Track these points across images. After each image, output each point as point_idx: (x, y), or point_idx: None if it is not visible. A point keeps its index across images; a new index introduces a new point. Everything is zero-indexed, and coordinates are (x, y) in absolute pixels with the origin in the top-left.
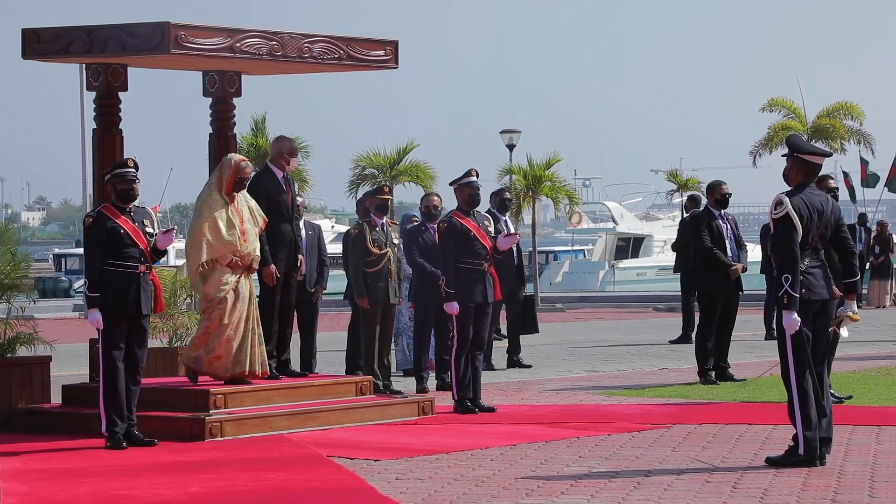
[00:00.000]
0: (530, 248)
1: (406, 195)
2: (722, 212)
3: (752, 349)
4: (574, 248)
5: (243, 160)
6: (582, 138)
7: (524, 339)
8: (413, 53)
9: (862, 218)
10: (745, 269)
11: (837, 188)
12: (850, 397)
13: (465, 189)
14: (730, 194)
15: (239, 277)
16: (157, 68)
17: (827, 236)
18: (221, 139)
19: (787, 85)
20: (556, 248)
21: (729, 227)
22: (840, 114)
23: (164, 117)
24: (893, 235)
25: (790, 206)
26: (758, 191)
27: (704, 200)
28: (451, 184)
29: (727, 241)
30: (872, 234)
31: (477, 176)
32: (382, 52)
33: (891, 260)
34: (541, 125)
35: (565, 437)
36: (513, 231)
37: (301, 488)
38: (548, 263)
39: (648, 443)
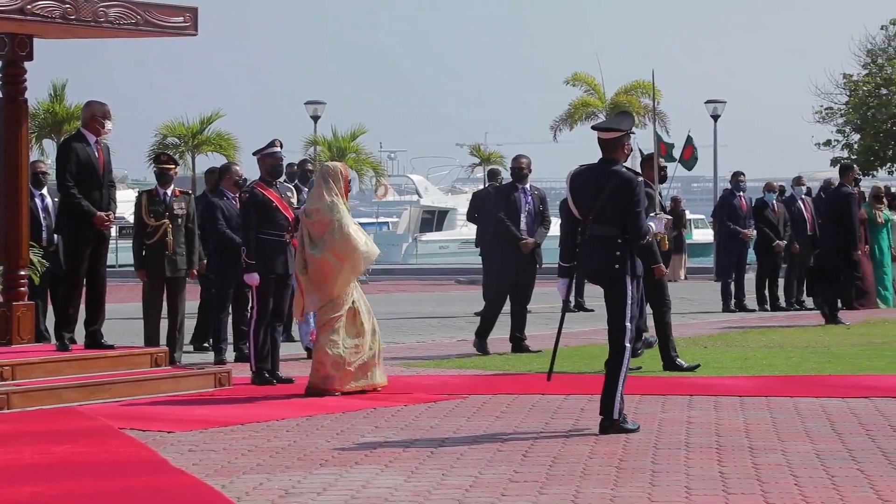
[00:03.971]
0: None
1: (209, 165)
2: (527, 186)
3: (549, 321)
4: (379, 220)
5: (345, 165)
6: (388, 111)
7: None
8: (215, 21)
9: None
10: (538, 245)
11: (860, 178)
12: (639, 368)
13: (268, 159)
14: (523, 168)
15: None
16: None
17: (608, 211)
18: (12, 103)
19: (591, 63)
20: (362, 221)
21: (529, 201)
22: (637, 92)
23: None
24: (686, 212)
25: (567, 180)
26: (560, 165)
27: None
28: (254, 153)
29: (522, 215)
30: (666, 211)
31: (281, 146)
32: (181, 19)
33: (684, 235)
34: (346, 97)
35: (362, 408)
36: None
37: (90, 461)
38: None
39: (444, 413)
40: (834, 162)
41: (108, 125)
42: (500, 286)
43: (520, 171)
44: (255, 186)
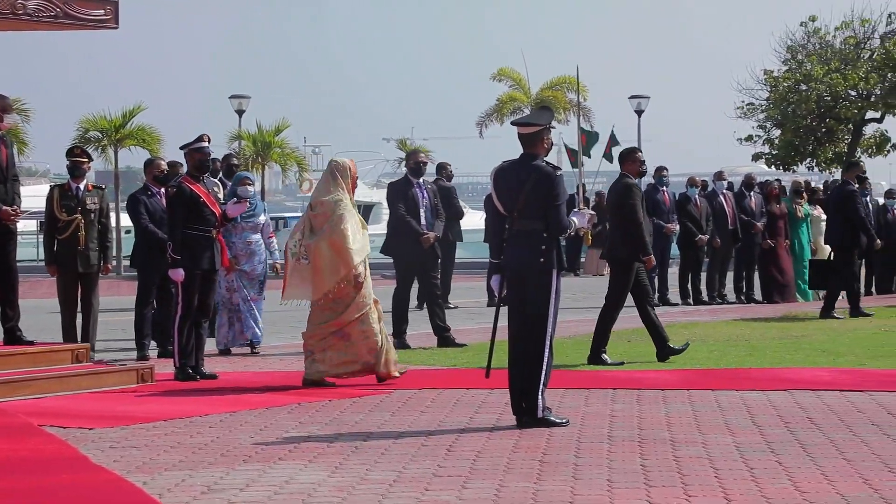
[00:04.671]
0: None
1: (132, 160)
2: (422, 181)
3: (474, 316)
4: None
5: (353, 161)
6: (313, 105)
7: None
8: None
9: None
10: (438, 238)
11: (865, 175)
12: (621, 364)
13: (196, 154)
14: (424, 163)
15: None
16: None
17: (531, 205)
18: None
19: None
20: (287, 215)
21: (425, 196)
22: (562, 87)
23: None
24: None
25: (490, 176)
26: (486, 160)
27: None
28: (181, 148)
29: (422, 210)
30: (591, 205)
31: (209, 141)
32: (102, 12)
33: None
34: (271, 91)
35: (286, 404)
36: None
37: (9, 458)
38: (278, 230)
39: (369, 408)
40: (755, 157)
41: (8, 120)
42: (404, 282)
43: (418, 166)
44: (183, 181)
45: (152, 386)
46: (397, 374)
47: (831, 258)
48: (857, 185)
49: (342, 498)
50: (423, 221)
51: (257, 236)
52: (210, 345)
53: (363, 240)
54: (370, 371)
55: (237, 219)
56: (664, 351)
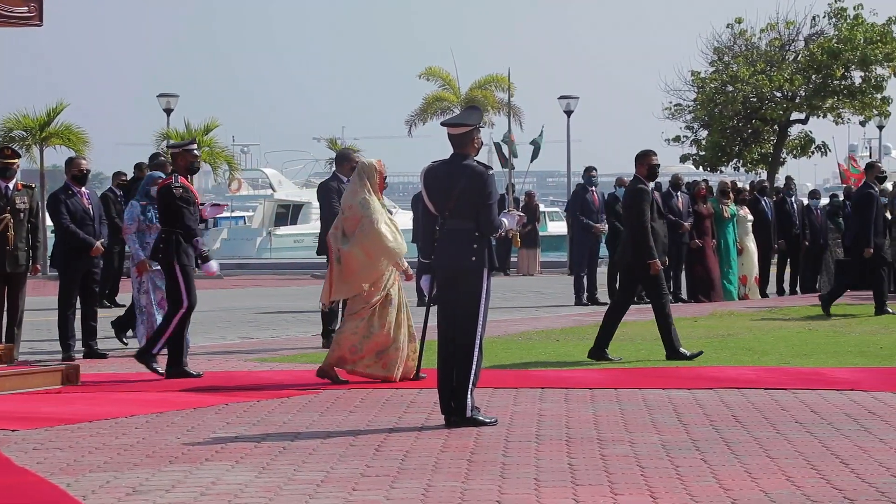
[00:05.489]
0: None
1: (59, 158)
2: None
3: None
4: (234, 214)
5: (380, 161)
6: (242, 104)
7: None
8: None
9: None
10: None
11: (884, 175)
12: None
13: (188, 156)
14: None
15: (393, 282)
16: None
17: (462, 205)
18: None
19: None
20: (217, 215)
21: None
22: (492, 86)
23: None
24: (540, 206)
25: (420, 176)
26: (416, 160)
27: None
28: (170, 147)
29: None
30: (521, 205)
31: (199, 146)
32: (26, 9)
33: (538, 229)
34: (200, 90)
35: (214, 404)
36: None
37: None
38: (207, 230)
39: (297, 408)
40: (683, 158)
41: None
42: None
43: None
44: (181, 181)
45: (78, 387)
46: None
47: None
48: (877, 187)
49: (269, 498)
50: None
51: None
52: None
53: (400, 238)
54: (389, 380)
55: (152, 220)
56: (598, 352)
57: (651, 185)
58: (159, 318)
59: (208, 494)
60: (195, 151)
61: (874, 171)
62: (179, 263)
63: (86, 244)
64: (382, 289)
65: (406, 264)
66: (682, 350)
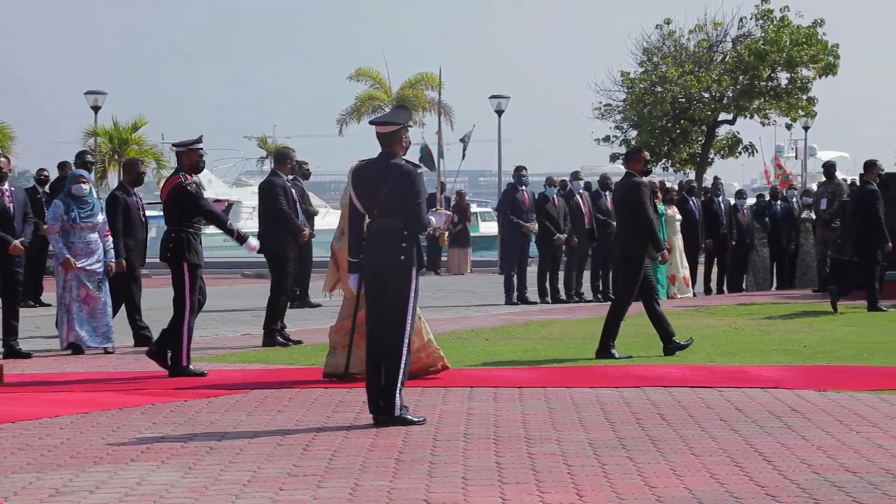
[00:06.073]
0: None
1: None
2: (292, 178)
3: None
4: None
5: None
6: (172, 102)
7: None
8: None
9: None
10: (313, 236)
11: (882, 172)
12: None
13: (193, 155)
14: (298, 161)
15: None
16: None
17: (391, 204)
18: None
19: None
20: (147, 214)
21: (294, 194)
22: (422, 85)
23: None
24: (471, 205)
25: (348, 175)
26: (346, 159)
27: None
28: (175, 145)
29: (298, 207)
30: (452, 204)
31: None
32: None
33: (468, 228)
34: (128, 87)
35: (140, 404)
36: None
37: None
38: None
39: (224, 408)
40: (613, 157)
41: None
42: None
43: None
44: (189, 178)
45: (0, 387)
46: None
47: (853, 257)
48: (877, 184)
49: (195, 499)
50: (299, 218)
51: (95, 235)
52: (54, 343)
53: None
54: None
55: (76, 219)
56: (670, 346)
57: (646, 180)
58: (84, 315)
59: (133, 495)
60: (200, 150)
61: (875, 170)
62: (189, 263)
63: (3, 243)
64: None
65: None
66: (613, 351)
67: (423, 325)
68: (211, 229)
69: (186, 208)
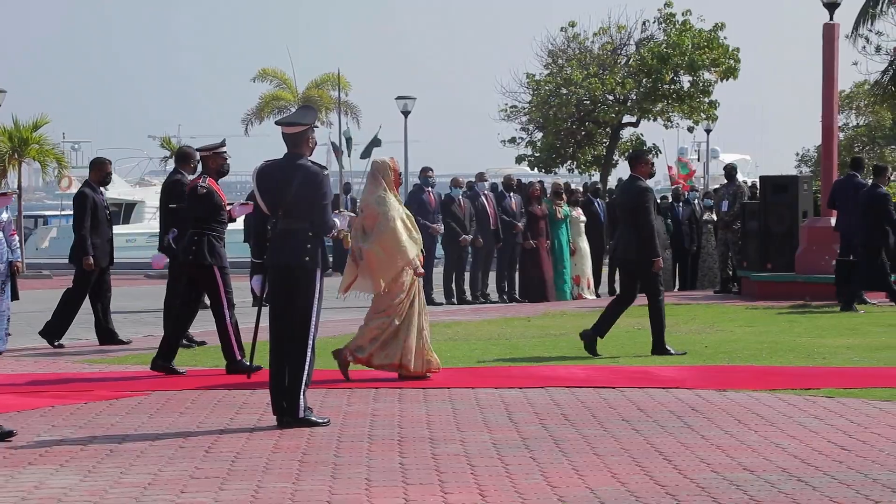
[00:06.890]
0: (16, 213)
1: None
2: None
3: (238, 316)
4: (63, 212)
5: (393, 159)
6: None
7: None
8: None
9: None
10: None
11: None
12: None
13: (219, 159)
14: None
15: (413, 281)
16: None
17: (297, 205)
18: None
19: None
20: (48, 213)
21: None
22: (328, 85)
23: None
24: None
25: (252, 176)
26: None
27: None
28: (199, 149)
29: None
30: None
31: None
32: None
33: None
34: (28, 85)
35: (39, 407)
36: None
37: None
38: (36, 228)
39: (125, 410)
40: (519, 159)
41: None
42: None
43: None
44: (209, 183)
45: None
46: (428, 374)
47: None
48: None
49: (94, 502)
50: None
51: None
52: None
53: (416, 233)
54: (404, 371)
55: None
56: (660, 348)
57: (650, 183)
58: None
59: (30, 499)
60: (225, 154)
61: (886, 173)
62: (218, 266)
63: None
64: (405, 288)
65: (418, 263)
66: (668, 347)
67: (425, 325)
68: (114, 230)
69: (199, 210)
